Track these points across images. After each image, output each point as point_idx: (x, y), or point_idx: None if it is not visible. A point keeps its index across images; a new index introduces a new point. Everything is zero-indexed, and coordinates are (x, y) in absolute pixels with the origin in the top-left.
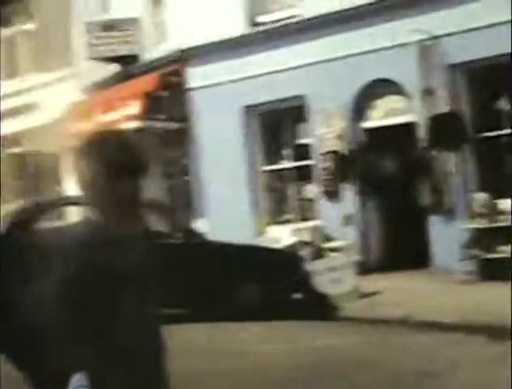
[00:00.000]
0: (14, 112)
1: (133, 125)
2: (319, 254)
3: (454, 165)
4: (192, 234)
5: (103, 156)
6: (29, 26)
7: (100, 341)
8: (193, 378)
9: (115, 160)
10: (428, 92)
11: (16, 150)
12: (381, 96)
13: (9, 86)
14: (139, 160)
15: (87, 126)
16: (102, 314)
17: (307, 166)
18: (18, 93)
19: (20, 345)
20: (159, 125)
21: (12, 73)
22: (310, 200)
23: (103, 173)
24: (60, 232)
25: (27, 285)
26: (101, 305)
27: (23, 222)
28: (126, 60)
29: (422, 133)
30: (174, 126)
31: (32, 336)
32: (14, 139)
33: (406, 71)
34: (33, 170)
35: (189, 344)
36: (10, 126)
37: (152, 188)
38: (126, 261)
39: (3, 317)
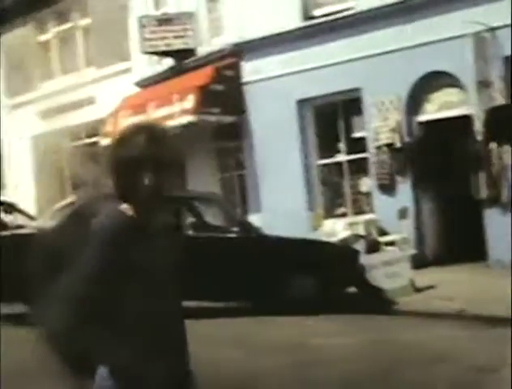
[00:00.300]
0: (72, 106)
1: (187, 118)
2: (374, 247)
3: (510, 158)
4: (247, 228)
5: (129, 149)
6: (85, 21)
7: (124, 332)
8: (246, 370)
9: (140, 155)
10: (484, 85)
11: (74, 143)
12: (436, 88)
13: (66, 81)
14: (167, 154)
15: (142, 120)
16: (125, 306)
17: (362, 159)
18: (75, 88)
19: (55, 330)
20: (213, 118)
21: (69, 68)
22: (365, 194)
23: (129, 166)
24: (93, 224)
25: (60, 274)
26: (124, 297)
27: (81, 214)
28: (181, 54)
29: (478, 126)
30: (228, 119)
31: (65, 324)
32: (73, 133)
33: (462, 63)
34: (90, 163)
35: (242, 337)
36: (67, 121)
37: (207, 182)
38: (151, 255)
39: (45, 304)
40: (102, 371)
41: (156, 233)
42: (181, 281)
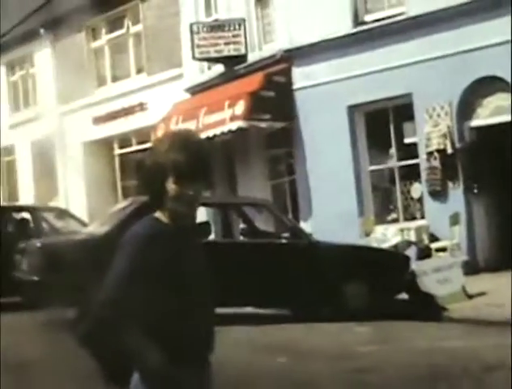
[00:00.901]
0: (124, 113)
1: (238, 125)
2: (426, 253)
3: None
4: (298, 234)
5: (159, 158)
6: (137, 28)
7: (154, 335)
8: (296, 377)
9: (169, 163)
10: None
11: (126, 150)
12: (488, 94)
13: (118, 87)
14: (196, 162)
15: (193, 126)
16: (155, 310)
17: (413, 165)
18: (126, 94)
19: (95, 334)
20: (263, 125)
21: (121, 74)
22: (417, 199)
23: (158, 174)
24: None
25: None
26: (156, 301)
27: (131, 220)
28: (232, 60)
29: None
30: (279, 125)
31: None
32: (124, 140)
33: None
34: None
35: (294, 344)
36: (119, 127)
37: (258, 188)
38: (183, 261)
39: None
40: (136, 377)
41: (190, 240)
42: (212, 287)
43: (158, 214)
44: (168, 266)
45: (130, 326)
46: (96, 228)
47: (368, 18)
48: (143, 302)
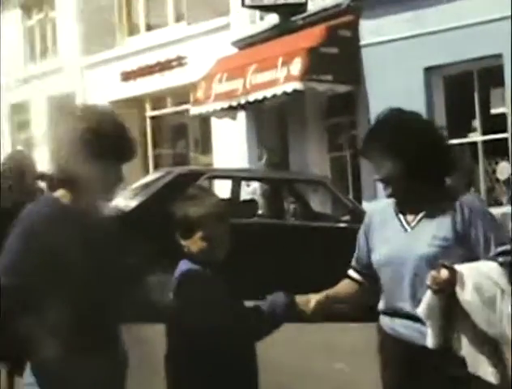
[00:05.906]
0: (159, 68)
1: (293, 86)
2: None
3: None
4: (360, 217)
5: (87, 133)
6: None
7: (48, 324)
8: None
9: (104, 142)
10: None
11: (159, 112)
12: None
13: (152, 38)
14: (128, 143)
15: (239, 86)
16: (50, 296)
17: (501, 140)
18: (163, 46)
19: None
20: (324, 87)
21: (156, 23)
22: (503, 181)
23: (86, 152)
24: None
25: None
26: (49, 286)
27: (165, 194)
28: (288, 9)
29: None
30: (342, 88)
31: None
32: (158, 99)
33: None
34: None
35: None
36: (152, 85)
37: (314, 162)
38: (84, 243)
39: None
40: (28, 374)
41: (94, 222)
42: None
43: (60, 193)
44: (65, 247)
45: (21, 312)
46: (124, 202)
47: None
48: (36, 286)
